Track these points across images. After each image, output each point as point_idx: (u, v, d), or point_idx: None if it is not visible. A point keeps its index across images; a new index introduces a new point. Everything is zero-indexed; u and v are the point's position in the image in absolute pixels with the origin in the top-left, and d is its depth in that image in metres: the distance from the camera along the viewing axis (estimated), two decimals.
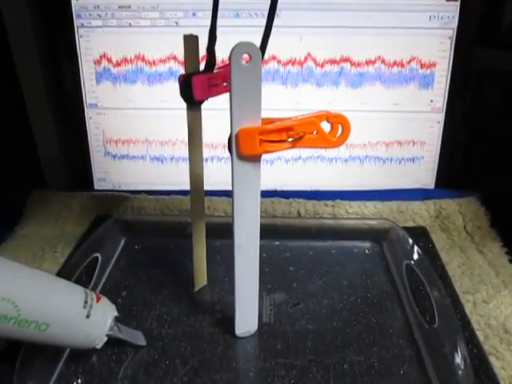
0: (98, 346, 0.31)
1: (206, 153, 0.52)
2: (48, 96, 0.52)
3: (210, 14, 0.30)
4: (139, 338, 0.33)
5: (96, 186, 0.55)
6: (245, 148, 0.26)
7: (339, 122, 0.27)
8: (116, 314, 0.32)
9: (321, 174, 0.53)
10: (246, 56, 0.25)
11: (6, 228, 0.48)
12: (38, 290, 0.28)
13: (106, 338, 0.31)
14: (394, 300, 0.38)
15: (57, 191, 0.53)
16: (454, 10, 0.47)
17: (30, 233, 0.48)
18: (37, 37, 0.49)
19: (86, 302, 0.30)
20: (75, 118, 0.52)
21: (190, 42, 0.31)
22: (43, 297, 0.28)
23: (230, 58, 0.24)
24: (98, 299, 0.31)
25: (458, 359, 0.30)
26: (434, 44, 0.48)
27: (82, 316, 0.29)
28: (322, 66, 0.49)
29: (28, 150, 0.54)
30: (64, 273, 0.38)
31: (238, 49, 0.24)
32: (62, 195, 0.52)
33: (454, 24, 0.48)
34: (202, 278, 0.39)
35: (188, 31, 0.31)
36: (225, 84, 0.31)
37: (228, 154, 0.27)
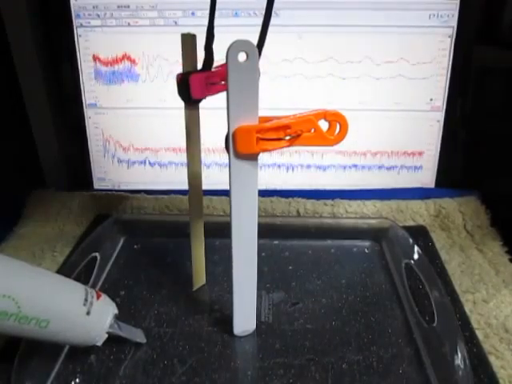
0: (99, 344, 0.31)
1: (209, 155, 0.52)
2: (47, 96, 0.52)
3: (208, 13, 0.30)
4: (139, 336, 0.33)
5: (95, 186, 0.55)
6: (242, 146, 0.26)
7: (337, 121, 0.27)
8: (116, 311, 0.32)
9: (320, 173, 0.53)
10: (242, 54, 0.25)
11: (5, 228, 0.48)
12: (38, 287, 0.28)
13: (106, 336, 0.31)
14: (393, 299, 0.38)
15: (56, 191, 0.53)
16: (454, 8, 0.47)
17: (29, 232, 0.48)
18: (36, 37, 0.49)
19: (86, 300, 0.30)
20: (74, 118, 0.53)
21: (188, 40, 0.31)
22: (44, 294, 0.28)
23: (226, 55, 0.24)
24: (99, 297, 0.31)
25: (458, 358, 0.30)
26: (434, 42, 0.48)
27: (82, 313, 0.29)
28: (321, 64, 0.49)
29: (28, 150, 0.54)
30: (63, 272, 0.38)
31: (235, 47, 0.24)
32: (61, 195, 0.52)
33: (454, 22, 0.47)
34: (200, 278, 0.39)
35: (187, 31, 0.31)
36: (223, 83, 0.31)
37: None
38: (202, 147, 0.35)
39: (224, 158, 0.52)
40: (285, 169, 0.52)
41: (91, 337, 0.30)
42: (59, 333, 0.29)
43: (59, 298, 0.29)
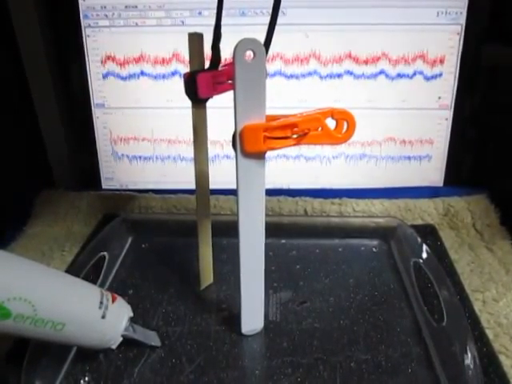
0: (114, 347, 0.31)
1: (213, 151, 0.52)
2: (56, 96, 0.52)
3: (215, 12, 0.30)
4: (154, 339, 0.33)
5: (103, 186, 0.55)
6: (249, 145, 0.26)
7: (344, 119, 0.27)
8: (131, 314, 0.32)
9: (328, 172, 0.52)
10: (249, 53, 0.25)
11: (15, 227, 0.49)
12: (54, 290, 0.28)
13: (121, 339, 0.31)
14: (401, 298, 0.37)
15: (65, 191, 0.53)
16: (462, 5, 0.47)
17: (38, 232, 0.49)
18: (44, 37, 0.49)
19: (101, 303, 0.30)
20: (83, 118, 0.53)
21: (195, 39, 0.31)
22: (60, 297, 0.28)
23: (233, 54, 0.24)
24: (114, 300, 0.31)
25: (467, 358, 0.30)
26: (442, 40, 0.48)
27: (97, 316, 0.29)
28: (328, 63, 0.49)
29: (36, 150, 0.54)
30: (71, 271, 0.38)
31: (242, 45, 0.24)
32: (69, 195, 0.52)
33: (463, 20, 0.47)
34: (208, 277, 0.39)
35: (194, 30, 0.31)
36: (229, 82, 0.31)
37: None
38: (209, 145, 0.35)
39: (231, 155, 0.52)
40: (291, 167, 0.52)
41: (106, 340, 0.30)
42: (74, 336, 0.29)
43: (75, 302, 0.29)
